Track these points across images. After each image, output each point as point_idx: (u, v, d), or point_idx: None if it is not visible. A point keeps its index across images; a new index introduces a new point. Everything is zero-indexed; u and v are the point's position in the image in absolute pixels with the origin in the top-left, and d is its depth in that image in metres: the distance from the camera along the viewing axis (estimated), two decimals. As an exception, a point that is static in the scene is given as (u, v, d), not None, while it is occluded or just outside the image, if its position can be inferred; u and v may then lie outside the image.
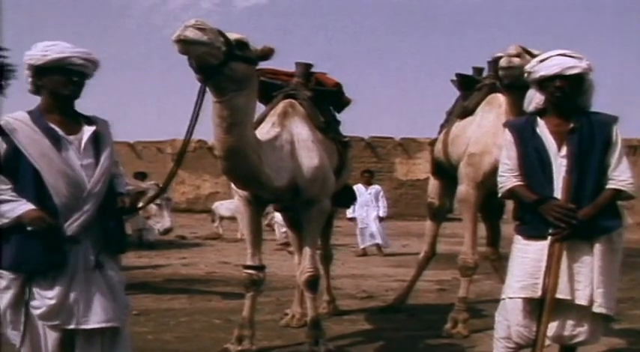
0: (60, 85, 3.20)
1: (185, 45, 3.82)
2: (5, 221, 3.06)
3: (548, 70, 3.58)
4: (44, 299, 3.08)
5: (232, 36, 4.14)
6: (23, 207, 3.05)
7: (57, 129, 3.18)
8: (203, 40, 3.85)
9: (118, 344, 3.20)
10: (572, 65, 3.56)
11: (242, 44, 4.20)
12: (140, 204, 3.73)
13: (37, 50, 3.20)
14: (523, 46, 4.70)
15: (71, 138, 3.21)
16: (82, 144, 3.21)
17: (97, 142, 3.27)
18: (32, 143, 3.12)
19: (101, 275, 3.18)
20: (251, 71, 4.33)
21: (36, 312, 3.10)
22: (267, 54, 4.42)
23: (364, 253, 12.81)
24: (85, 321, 3.12)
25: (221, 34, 4.03)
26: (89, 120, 3.31)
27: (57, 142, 3.16)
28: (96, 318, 3.13)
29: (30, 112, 3.22)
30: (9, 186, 3.08)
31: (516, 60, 4.65)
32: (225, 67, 4.05)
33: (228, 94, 4.18)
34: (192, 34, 3.81)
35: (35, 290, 3.10)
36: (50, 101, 3.24)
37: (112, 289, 3.20)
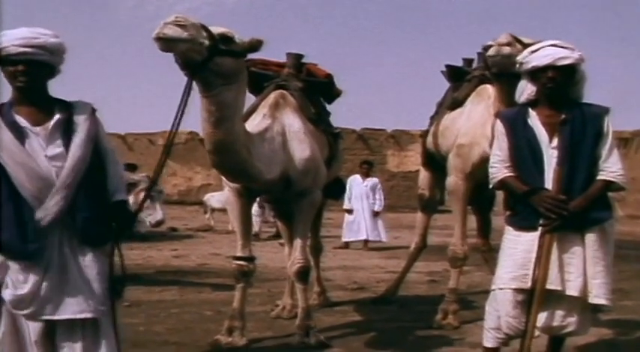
0: (9, 77, 3.04)
1: (165, 43, 3.70)
2: None
3: (540, 60, 3.57)
4: (17, 288, 3.03)
5: (217, 30, 4.03)
6: None
7: (22, 120, 3.04)
8: (183, 37, 3.73)
9: (100, 335, 3.15)
10: (564, 56, 3.55)
11: (227, 38, 4.08)
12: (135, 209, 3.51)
13: None
14: (514, 34, 4.67)
15: (38, 129, 3.04)
16: (48, 134, 3.04)
17: (68, 130, 3.07)
18: None
19: (77, 267, 3.09)
20: (238, 65, 4.23)
21: (7, 299, 3.05)
22: (255, 46, 4.30)
23: (346, 246, 12.51)
24: (57, 312, 3.07)
25: (204, 28, 3.92)
26: (65, 107, 3.12)
27: (20, 135, 3.01)
28: (69, 310, 3.06)
29: (1, 105, 3.09)
30: None
31: (506, 49, 4.59)
32: (210, 62, 3.95)
33: (216, 89, 4.09)
34: (171, 31, 3.69)
35: (10, 279, 3.04)
36: (14, 93, 3.09)
37: (89, 280, 3.10)
